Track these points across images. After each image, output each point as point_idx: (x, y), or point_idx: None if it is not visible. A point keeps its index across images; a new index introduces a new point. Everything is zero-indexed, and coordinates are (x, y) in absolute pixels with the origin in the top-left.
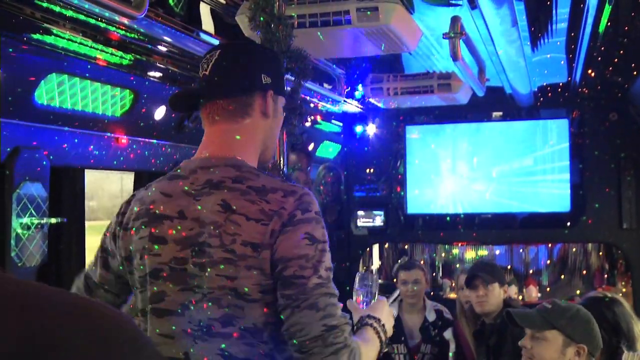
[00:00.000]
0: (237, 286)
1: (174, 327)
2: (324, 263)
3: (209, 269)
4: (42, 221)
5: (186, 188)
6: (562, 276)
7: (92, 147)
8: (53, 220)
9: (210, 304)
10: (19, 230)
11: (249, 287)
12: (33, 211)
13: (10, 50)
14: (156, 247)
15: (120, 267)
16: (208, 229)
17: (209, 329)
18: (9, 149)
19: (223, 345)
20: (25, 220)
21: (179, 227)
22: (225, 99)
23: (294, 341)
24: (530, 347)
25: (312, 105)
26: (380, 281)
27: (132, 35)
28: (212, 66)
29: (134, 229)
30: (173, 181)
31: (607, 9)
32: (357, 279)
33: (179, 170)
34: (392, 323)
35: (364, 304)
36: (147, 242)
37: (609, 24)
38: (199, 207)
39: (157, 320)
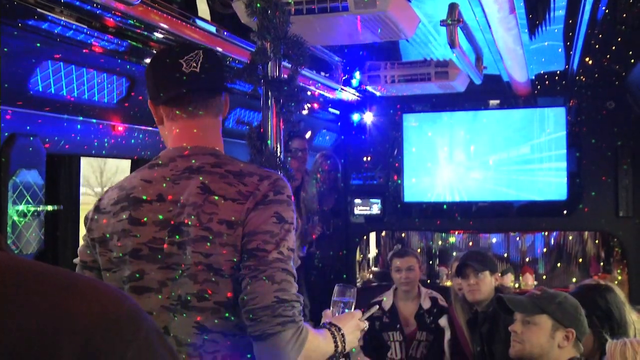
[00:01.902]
0: (212, 262)
1: (153, 304)
2: (287, 242)
3: (187, 247)
4: (38, 208)
5: (165, 175)
6: (559, 264)
7: (88, 134)
8: (49, 208)
9: (187, 279)
10: (15, 218)
11: (223, 263)
12: (29, 198)
13: (5, 36)
14: (135, 228)
15: (88, 251)
16: (187, 210)
17: (186, 304)
18: (4, 135)
19: (198, 319)
20: (22, 207)
21: (158, 210)
22: (210, 96)
23: (246, 308)
24: (521, 332)
25: (309, 93)
26: (376, 269)
27: (128, 21)
28: (200, 64)
29: (112, 213)
30: (153, 169)
31: None
32: (335, 291)
33: (158, 160)
34: (357, 337)
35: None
36: (127, 224)
37: (607, 11)
38: (178, 191)
39: (136, 297)
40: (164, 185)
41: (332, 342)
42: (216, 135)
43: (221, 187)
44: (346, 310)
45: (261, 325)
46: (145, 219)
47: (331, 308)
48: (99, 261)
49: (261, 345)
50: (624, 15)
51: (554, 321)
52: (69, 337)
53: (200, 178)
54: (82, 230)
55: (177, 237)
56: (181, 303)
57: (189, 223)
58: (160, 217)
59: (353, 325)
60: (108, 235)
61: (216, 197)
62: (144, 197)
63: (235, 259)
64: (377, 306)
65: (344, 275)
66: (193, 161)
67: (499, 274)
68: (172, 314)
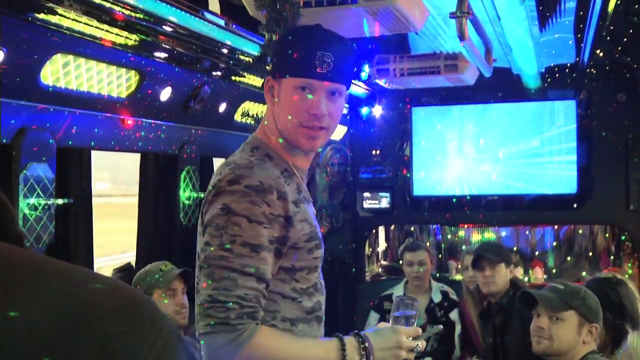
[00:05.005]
0: (197, 251)
1: None
2: (238, 236)
3: None
4: (49, 202)
5: None
6: (569, 258)
7: (98, 128)
8: (60, 201)
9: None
10: (26, 211)
11: (198, 253)
12: (40, 192)
13: (15, 30)
14: None
15: None
16: None
17: None
18: (14, 129)
19: None
20: (32, 201)
21: None
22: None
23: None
24: (548, 328)
25: None
26: (385, 263)
27: (138, 15)
28: None
29: None
30: None
31: None
32: (395, 303)
33: None
34: (396, 356)
35: None
36: None
37: (618, 2)
38: None
39: None
40: None
41: (333, 353)
42: (265, 122)
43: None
44: (407, 325)
45: (198, 324)
46: None
47: (391, 324)
48: None
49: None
50: (636, 6)
51: (580, 317)
52: (90, 335)
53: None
54: (94, 224)
55: None
56: None
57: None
58: None
59: (390, 341)
60: None
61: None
62: None
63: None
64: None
65: (353, 269)
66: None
67: (513, 266)
68: None
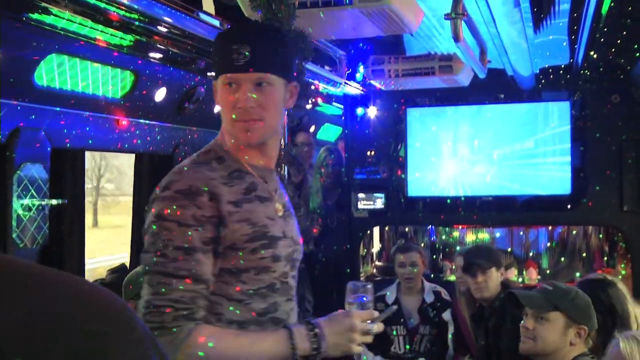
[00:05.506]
0: None
1: None
2: (170, 241)
3: None
4: (42, 202)
5: None
6: (562, 259)
7: (92, 128)
8: (54, 202)
9: None
10: (20, 212)
11: None
12: (34, 192)
13: (10, 30)
14: None
15: None
16: None
17: None
18: (9, 129)
19: None
20: (26, 201)
21: None
22: None
23: None
24: (533, 328)
25: (312, 87)
26: (380, 264)
27: (132, 15)
28: None
29: None
30: None
31: None
32: (348, 289)
33: None
34: (350, 340)
35: None
36: None
37: (612, 4)
38: None
39: None
40: None
41: (282, 344)
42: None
43: None
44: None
45: None
46: None
47: (346, 309)
48: None
49: None
50: (630, 8)
51: (567, 318)
52: (70, 335)
53: None
54: (87, 224)
55: None
56: None
57: None
58: None
59: (343, 325)
60: None
61: None
62: None
63: None
64: (395, 306)
65: (347, 270)
66: None
67: (504, 269)
68: None
